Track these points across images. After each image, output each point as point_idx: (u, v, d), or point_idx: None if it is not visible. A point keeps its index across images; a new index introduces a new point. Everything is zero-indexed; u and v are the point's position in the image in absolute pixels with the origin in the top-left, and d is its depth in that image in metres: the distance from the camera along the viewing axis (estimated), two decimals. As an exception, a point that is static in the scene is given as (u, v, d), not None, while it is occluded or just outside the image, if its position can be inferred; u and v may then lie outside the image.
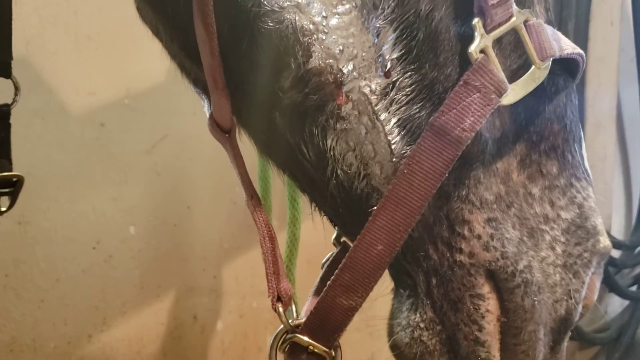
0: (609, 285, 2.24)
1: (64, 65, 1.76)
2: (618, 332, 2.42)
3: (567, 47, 0.70)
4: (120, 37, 1.81)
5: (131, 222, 1.89)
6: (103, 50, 1.79)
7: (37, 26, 1.70)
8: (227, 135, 0.76)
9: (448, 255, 0.68)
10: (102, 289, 1.85)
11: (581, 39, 2.04)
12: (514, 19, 0.65)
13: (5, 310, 1.72)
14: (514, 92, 0.65)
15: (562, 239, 0.71)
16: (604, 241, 0.73)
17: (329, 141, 0.67)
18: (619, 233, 2.53)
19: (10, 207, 1.18)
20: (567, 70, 0.73)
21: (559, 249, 0.70)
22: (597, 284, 0.75)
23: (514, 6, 0.66)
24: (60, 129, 1.76)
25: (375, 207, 0.66)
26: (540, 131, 0.71)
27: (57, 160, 1.76)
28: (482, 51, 0.64)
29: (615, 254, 2.41)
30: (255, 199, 0.76)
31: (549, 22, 0.74)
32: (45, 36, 1.72)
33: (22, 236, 1.72)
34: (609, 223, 2.39)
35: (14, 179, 1.16)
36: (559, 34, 0.71)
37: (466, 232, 0.67)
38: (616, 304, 2.52)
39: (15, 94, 1.18)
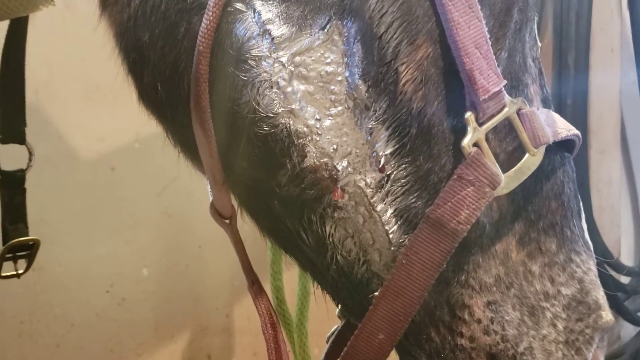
0: (619, 312, 2.24)
1: (73, 112, 1.79)
2: (633, 357, 2.41)
3: (562, 130, 0.71)
4: (128, 83, 1.85)
5: (144, 265, 1.92)
6: (112, 96, 1.82)
7: (46, 75, 1.73)
8: (227, 221, 0.79)
9: (449, 338, 0.69)
10: (117, 332, 1.88)
11: (582, 68, 2.05)
12: (506, 109, 0.67)
13: (21, 357, 1.75)
14: (509, 182, 0.67)
15: (564, 316, 0.72)
16: (606, 316, 0.74)
17: (327, 228, 0.69)
18: (627, 258, 2.52)
19: (26, 269, 1.22)
20: (563, 146, 0.75)
21: (560, 326, 0.71)
22: (601, 359, 0.76)
23: (506, 97, 0.67)
24: (71, 175, 1.80)
25: (376, 293, 0.68)
26: (538, 210, 0.72)
27: (69, 206, 1.80)
28: (475, 144, 0.65)
29: (625, 280, 2.41)
30: (257, 286, 0.78)
31: (545, 100, 0.76)
32: (54, 84, 1.76)
33: (36, 282, 1.75)
34: (618, 248, 2.39)
35: (30, 243, 1.20)
36: (554, 116, 0.73)
37: (466, 317, 0.69)
38: (629, 328, 2.51)
39: (30, 159, 1.22)
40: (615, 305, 2.19)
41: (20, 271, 1.23)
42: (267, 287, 1.08)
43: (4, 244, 1.20)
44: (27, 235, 1.19)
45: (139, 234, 1.90)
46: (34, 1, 1.00)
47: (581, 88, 2.11)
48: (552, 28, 2.10)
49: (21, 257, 1.21)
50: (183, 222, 1.96)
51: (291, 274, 1.11)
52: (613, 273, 2.27)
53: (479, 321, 0.68)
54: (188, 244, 1.98)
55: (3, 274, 1.21)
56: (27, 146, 1.21)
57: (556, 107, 2.20)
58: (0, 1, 0.97)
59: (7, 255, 1.20)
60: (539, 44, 0.77)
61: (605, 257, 2.14)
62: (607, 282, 2.14)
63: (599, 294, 0.74)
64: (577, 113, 2.12)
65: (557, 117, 0.73)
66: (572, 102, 2.10)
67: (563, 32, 2.05)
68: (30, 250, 1.21)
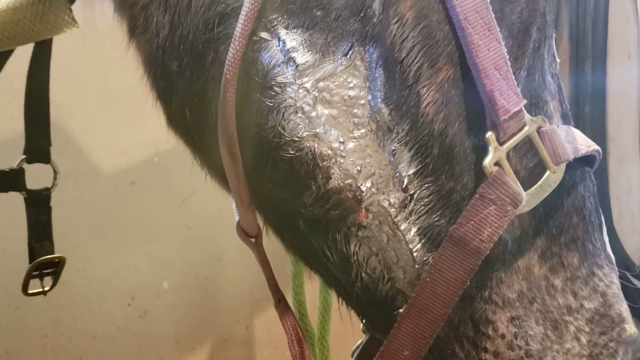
0: (642, 320, 2.22)
1: (94, 127, 1.82)
2: (655, 364, 2.37)
3: (582, 146, 0.72)
4: (147, 97, 1.87)
5: (165, 277, 1.94)
6: (131, 111, 1.84)
7: (66, 92, 1.76)
8: (253, 240, 0.80)
9: (474, 354, 0.70)
10: (138, 344, 1.90)
11: (599, 75, 2.05)
12: (526, 127, 0.68)
13: (46, 371, 1.78)
14: (530, 200, 0.68)
15: (587, 329, 0.72)
16: (630, 329, 0.74)
17: (352, 246, 0.70)
18: (649, 266, 2.50)
19: (52, 286, 1.25)
20: (584, 160, 0.75)
21: (583, 339, 0.72)
22: (626, 372, 0.76)
23: (527, 116, 0.68)
24: (92, 190, 1.83)
25: (400, 310, 0.69)
26: (560, 225, 0.73)
27: (90, 220, 1.82)
28: (496, 163, 0.66)
29: (646, 287, 2.38)
30: (283, 303, 0.79)
31: (564, 115, 0.77)
32: (74, 101, 1.79)
33: (59, 296, 1.78)
34: (639, 255, 2.37)
35: (56, 260, 1.22)
36: (574, 132, 0.73)
37: (490, 332, 0.69)
38: (652, 335, 2.47)
39: (55, 178, 1.24)
40: (637, 315, 2.18)
41: (47, 288, 1.25)
42: (289, 301, 1.09)
43: (30, 261, 1.22)
44: (53, 253, 1.22)
45: (159, 247, 1.92)
46: (58, 24, 1.03)
47: (599, 95, 2.10)
48: (568, 36, 2.10)
49: (47, 274, 1.24)
50: (203, 234, 1.98)
51: (311, 286, 1.12)
52: (635, 281, 2.25)
53: (503, 336, 0.69)
54: (208, 257, 2.00)
55: (30, 292, 1.24)
56: (52, 165, 1.23)
57: (574, 114, 2.20)
58: (26, 25, 1.00)
59: (34, 273, 1.22)
60: (558, 60, 0.78)
61: (626, 266, 2.13)
62: (629, 291, 2.12)
63: (623, 307, 0.75)
64: (595, 120, 2.12)
65: (577, 133, 0.74)
66: (590, 110, 2.10)
67: (579, 40, 2.05)
68: (56, 268, 1.24)
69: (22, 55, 1.19)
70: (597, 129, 2.13)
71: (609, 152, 2.20)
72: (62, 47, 1.71)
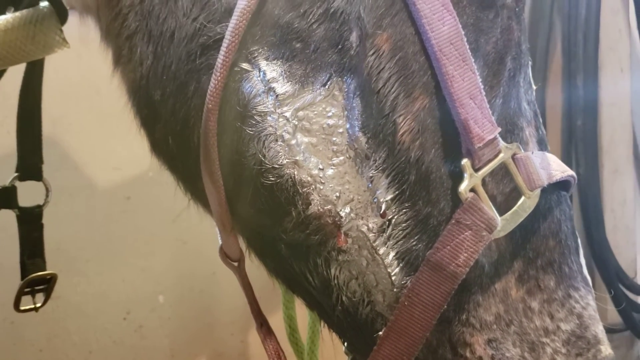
0: (636, 332, 2.22)
1: (89, 142, 1.83)
2: (651, 376, 2.38)
3: (556, 172, 0.73)
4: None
5: (160, 291, 1.95)
6: (126, 126, 1.85)
7: (62, 107, 1.78)
8: (236, 264, 0.82)
9: None
10: (134, 358, 1.90)
11: (591, 88, 2.06)
12: (501, 154, 0.69)
13: (40, 385, 1.79)
14: (505, 225, 0.69)
15: (563, 351, 0.73)
16: (605, 350, 0.75)
17: (332, 270, 0.72)
18: (644, 278, 2.50)
19: (44, 303, 1.26)
20: (560, 185, 0.77)
21: None
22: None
23: (501, 143, 0.69)
24: (87, 204, 1.84)
25: (380, 332, 0.70)
26: (536, 248, 0.74)
27: (85, 234, 1.83)
28: (472, 189, 0.68)
29: (641, 299, 2.39)
30: (266, 327, 0.80)
31: (540, 141, 0.78)
32: (70, 116, 1.80)
33: (54, 311, 1.78)
34: (634, 267, 2.37)
35: (48, 277, 1.24)
36: (549, 158, 0.75)
37: (468, 354, 0.71)
38: (647, 348, 2.48)
39: (47, 195, 1.26)
40: (632, 326, 2.18)
41: (38, 304, 1.26)
42: (280, 316, 1.10)
43: (22, 278, 1.23)
44: (45, 269, 1.23)
45: (154, 261, 1.93)
46: (49, 45, 1.05)
47: (591, 108, 2.11)
48: (561, 50, 2.11)
49: (39, 290, 1.25)
50: (197, 248, 1.98)
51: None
52: (629, 294, 2.25)
53: (480, 358, 0.70)
54: (202, 270, 2.00)
55: (22, 308, 1.25)
56: (44, 182, 1.25)
57: (567, 128, 2.22)
58: (17, 46, 1.02)
59: (26, 290, 1.23)
60: (534, 87, 0.80)
61: (620, 278, 2.14)
62: (623, 303, 2.13)
63: (598, 329, 0.76)
64: (588, 133, 2.13)
65: (552, 159, 0.75)
66: (583, 123, 2.11)
67: (571, 54, 2.06)
68: (48, 284, 1.25)
69: (19, 72, 1.21)
70: (590, 142, 2.14)
71: (603, 165, 2.20)
72: (58, 64, 1.72)
